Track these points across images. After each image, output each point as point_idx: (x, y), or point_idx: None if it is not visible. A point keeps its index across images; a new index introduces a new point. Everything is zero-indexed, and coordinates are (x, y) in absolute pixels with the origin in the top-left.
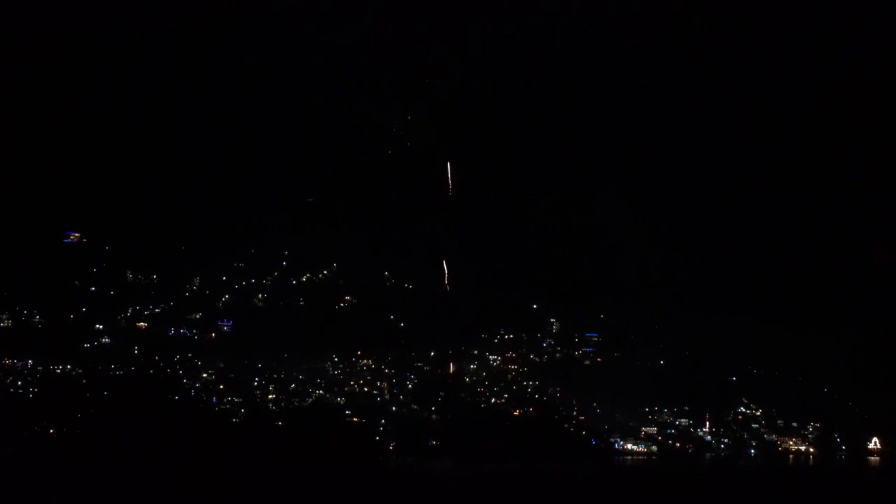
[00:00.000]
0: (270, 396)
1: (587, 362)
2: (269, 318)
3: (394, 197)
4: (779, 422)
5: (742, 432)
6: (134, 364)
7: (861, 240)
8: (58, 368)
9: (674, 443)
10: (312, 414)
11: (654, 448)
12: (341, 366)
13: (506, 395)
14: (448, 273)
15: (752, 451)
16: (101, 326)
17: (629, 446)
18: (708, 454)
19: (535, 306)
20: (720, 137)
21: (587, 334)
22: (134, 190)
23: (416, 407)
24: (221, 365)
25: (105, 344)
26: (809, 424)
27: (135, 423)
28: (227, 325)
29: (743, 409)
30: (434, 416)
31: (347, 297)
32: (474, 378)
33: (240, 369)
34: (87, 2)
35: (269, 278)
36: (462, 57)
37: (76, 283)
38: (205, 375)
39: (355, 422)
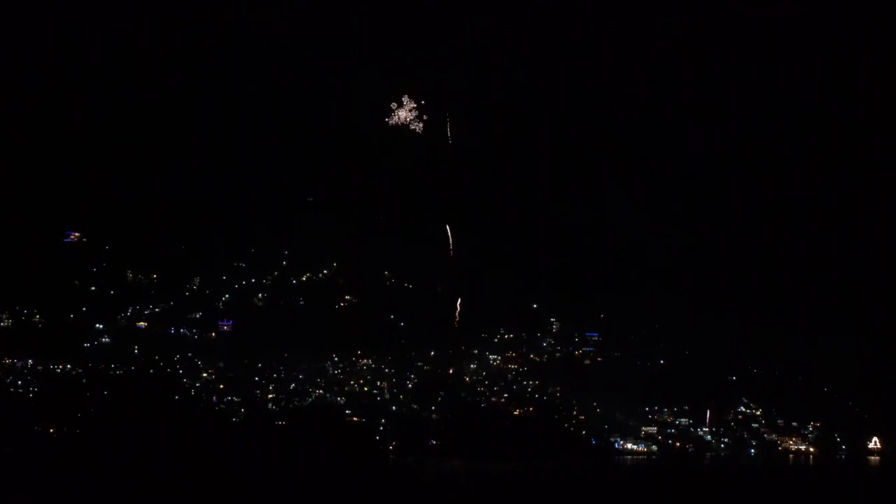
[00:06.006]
0: (270, 396)
1: (587, 362)
2: (269, 318)
3: (394, 196)
4: (779, 422)
5: (742, 432)
6: (134, 364)
7: (861, 241)
8: (58, 368)
9: (674, 443)
10: (312, 413)
11: (654, 448)
12: (341, 366)
13: (506, 395)
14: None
15: (752, 450)
16: (101, 326)
17: (629, 446)
18: (708, 454)
19: (535, 306)
20: (721, 137)
21: (587, 334)
22: (134, 190)
23: (416, 406)
24: (221, 365)
25: (105, 344)
26: (809, 424)
27: (135, 422)
28: (227, 325)
29: (743, 408)
30: (434, 416)
31: (347, 297)
32: (474, 378)
33: (240, 369)
34: (87, 2)
35: (269, 278)
36: (465, 55)
37: (76, 283)
38: (205, 375)
39: (355, 421)
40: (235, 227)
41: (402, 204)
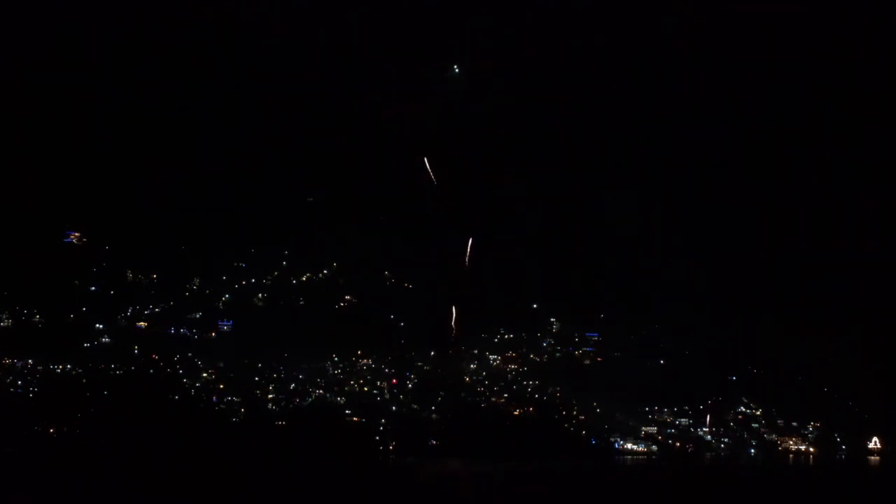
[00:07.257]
0: (270, 396)
1: (587, 362)
2: (269, 318)
3: (394, 196)
4: (779, 422)
5: (742, 432)
6: (134, 364)
7: (861, 239)
8: (58, 368)
9: (674, 443)
10: (312, 413)
11: (654, 448)
12: (341, 366)
13: (506, 395)
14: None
15: (752, 450)
16: (101, 326)
17: (629, 446)
18: (708, 454)
19: (535, 306)
20: (720, 137)
21: (587, 334)
22: (134, 189)
23: (416, 407)
24: (221, 365)
25: (105, 344)
26: (809, 424)
27: (135, 422)
28: (227, 325)
29: (743, 408)
30: (434, 416)
31: (347, 297)
32: (474, 378)
33: (240, 369)
34: (88, 2)
35: (269, 278)
36: (465, 54)
37: (76, 283)
38: (205, 375)
39: (355, 421)
40: (235, 227)
41: (402, 204)
